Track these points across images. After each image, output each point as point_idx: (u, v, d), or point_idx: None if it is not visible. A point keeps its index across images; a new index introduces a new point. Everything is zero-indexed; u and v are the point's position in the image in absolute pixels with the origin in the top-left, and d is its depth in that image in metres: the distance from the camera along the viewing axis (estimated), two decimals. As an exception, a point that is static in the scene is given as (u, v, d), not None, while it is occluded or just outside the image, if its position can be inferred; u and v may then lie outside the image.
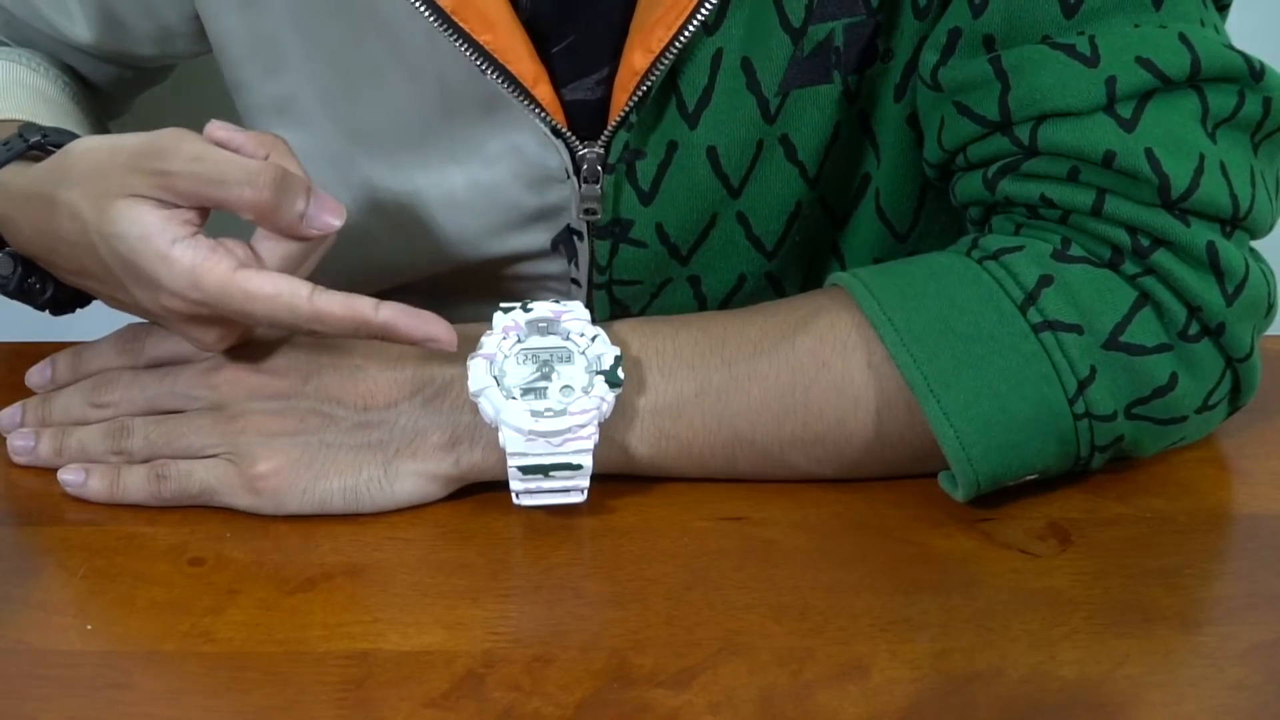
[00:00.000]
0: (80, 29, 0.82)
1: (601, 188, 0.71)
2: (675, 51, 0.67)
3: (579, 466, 0.63)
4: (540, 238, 0.75)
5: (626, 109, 0.69)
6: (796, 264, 0.77)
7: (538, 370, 0.64)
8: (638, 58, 0.68)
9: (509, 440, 0.62)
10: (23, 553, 0.64)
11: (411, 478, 0.65)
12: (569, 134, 0.70)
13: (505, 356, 0.64)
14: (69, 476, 0.66)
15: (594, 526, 0.65)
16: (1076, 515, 0.65)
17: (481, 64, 0.68)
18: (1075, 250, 0.65)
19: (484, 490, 0.66)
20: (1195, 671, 0.57)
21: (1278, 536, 0.65)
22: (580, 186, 0.72)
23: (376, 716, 0.55)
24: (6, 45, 0.86)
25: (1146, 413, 0.64)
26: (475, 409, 0.63)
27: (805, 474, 0.67)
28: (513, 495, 0.64)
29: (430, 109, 0.73)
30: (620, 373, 0.63)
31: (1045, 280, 0.63)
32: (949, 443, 0.62)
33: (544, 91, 0.69)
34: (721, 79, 0.69)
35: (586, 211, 0.72)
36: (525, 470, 0.63)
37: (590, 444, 0.62)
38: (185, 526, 0.65)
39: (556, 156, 0.71)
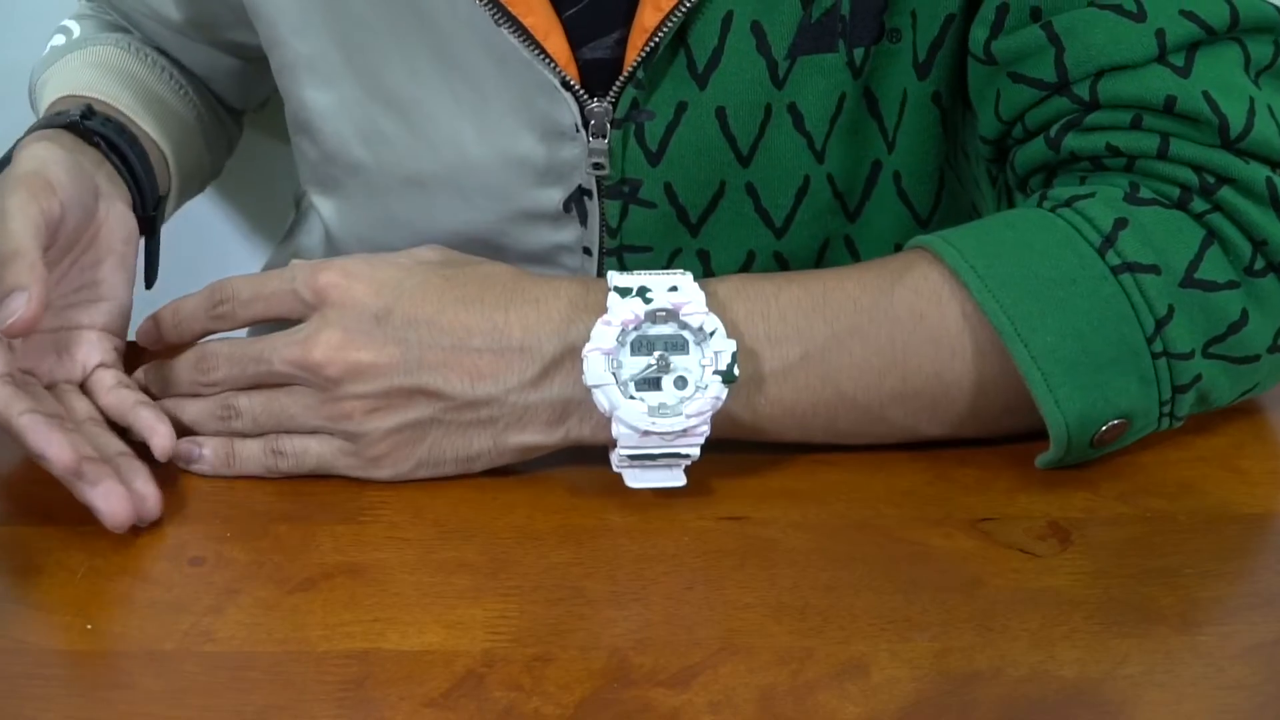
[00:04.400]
0: (169, 7, 0.87)
1: (609, 143, 0.72)
2: (684, 10, 0.68)
3: (688, 456, 0.64)
4: (552, 196, 0.76)
5: (634, 64, 0.70)
6: (805, 248, 0.77)
7: (653, 361, 0.64)
8: (648, 15, 0.69)
9: (623, 435, 0.63)
10: (23, 553, 0.64)
11: (520, 451, 0.66)
12: (578, 87, 0.71)
13: (621, 347, 0.64)
14: (186, 448, 0.68)
15: (594, 526, 0.65)
16: (1076, 515, 0.65)
17: (495, 15, 0.69)
18: (1145, 193, 0.66)
19: (484, 490, 0.67)
20: (1195, 671, 0.57)
21: (1278, 536, 0.65)
22: (589, 141, 0.72)
23: (376, 716, 0.55)
24: (106, 31, 0.91)
25: (1223, 351, 0.65)
26: (584, 386, 0.64)
27: (903, 430, 0.68)
28: (613, 466, 0.65)
29: (447, 65, 0.74)
30: (736, 370, 0.64)
31: (1120, 223, 0.65)
32: (1037, 386, 0.63)
33: (556, 45, 0.71)
34: (731, 40, 0.71)
35: (595, 166, 0.73)
36: (634, 458, 0.64)
37: (702, 439, 0.64)
38: (185, 526, 0.65)
39: (566, 111, 0.72)
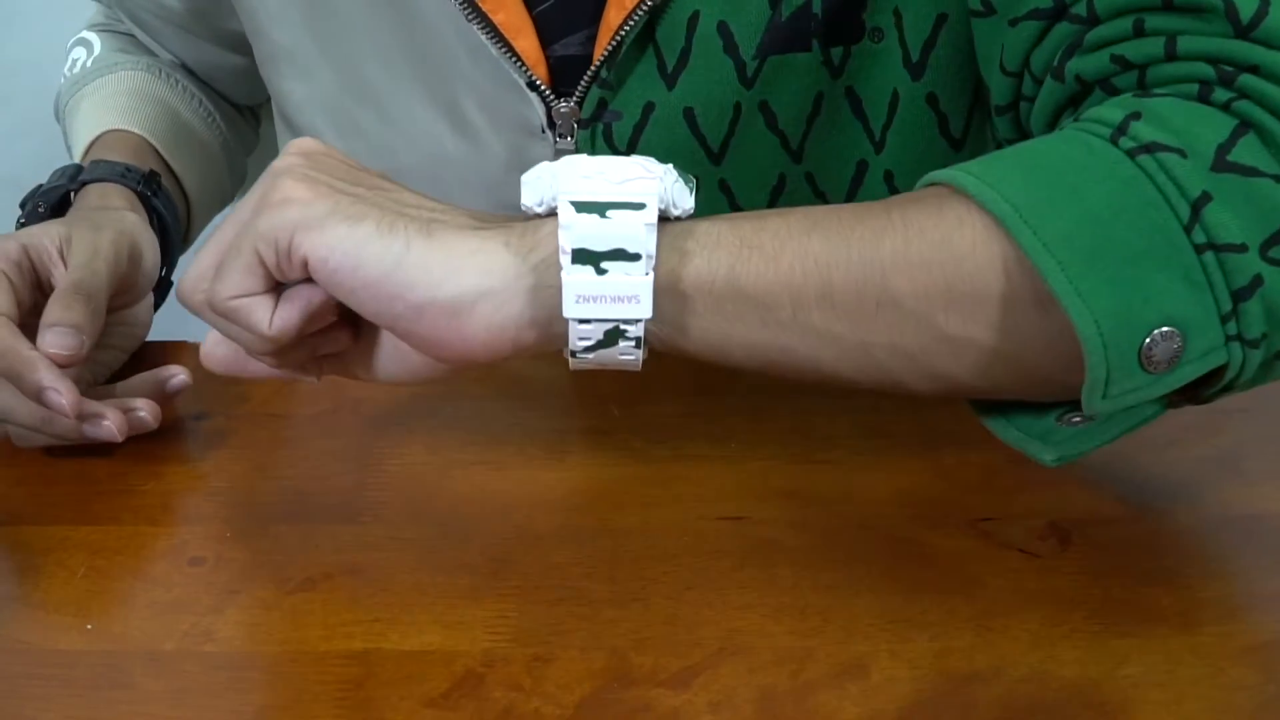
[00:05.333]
0: None
1: (576, 143, 0.72)
2: (646, 9, 0.68)
3: (641, 205, 0.55)
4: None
5: (598, 64, 0.70)
6: None
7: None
8: (613, 13, 0.69)
9: (563, 177, 0.56)
10: (23, 553, 0.64)
11: (449, 240, 0.57)
12: (544, 88, 0.71)
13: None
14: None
15: (594, 526, 0.65)
16: (1076, 515, 0.65)
17: (466, 11, 0.70)
18: (1160, 90, 0.58)
19: (484, 490, 0.67)
20: (1195, 671, 0.57)
21: (1278, 536, 0.65)
22: (555, 141, 0.72)
23: (376, 716, 0.55)
24: (130, 51, 0.94)
25: None
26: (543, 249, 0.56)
27: (918, 319, 0.57)
28: (563, 307, 0.56)
29: (421, 60, 0.75)
30: (692, 180, 0.57)
31: (1133, 115, 0.56)
32: (1053, 276, 0.53)
33: (526, 44, 0.71)
34: (698, 41, 0.70)
35: None
36: (580, 207, 0.55)
37: (656, 184, 0.56)
38: (185, 526, 0.65)
39: (534, 110, 0.72)
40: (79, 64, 0.93)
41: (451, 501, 0.66)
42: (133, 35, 0.96)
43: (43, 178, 0.82)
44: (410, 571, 0.62)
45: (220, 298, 0.58)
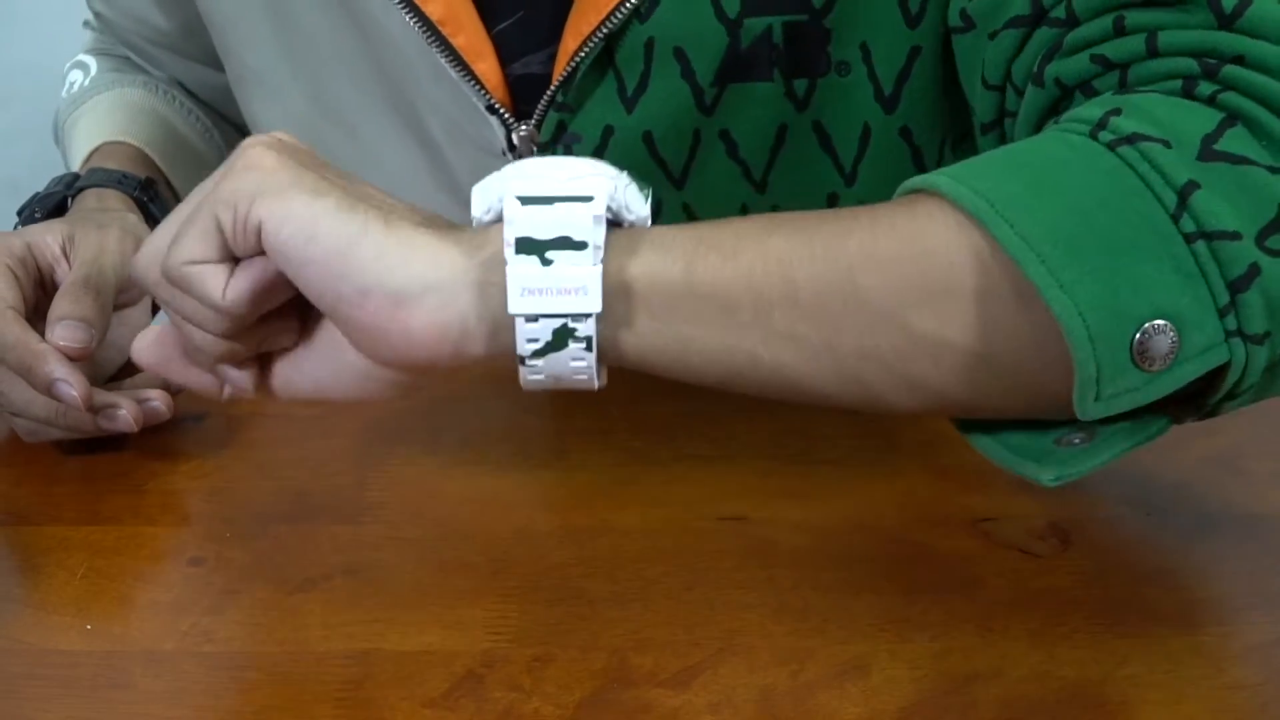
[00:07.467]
0: (158, 16, 0.91)
1: None
2: (602, 35, 0.68)
3: (589, 198, 0.53)
4: None
5: (554, 88, 0.70)
6: None
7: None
8: (570, 39, 0.69)
9: (510, 177, 0.55)
10: (23, 553, 0.64)
11: (404, 232, 0.56)
12: (504, 111, 0.71)
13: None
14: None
15: (594, 526, 0.65)
16: (1076, 515, 0.65)
17: (426, 35, 0.70)
18: (1143, 88, 0.56)
19: (484, 490, 0.67)
20: (1195, 671, 0.57)
21: (1278, 536, 0.65)
22: None
23: (376, 716, 0.55)
24: (125, 71, 0.96)
25: None
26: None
27: (889, 318, 0.54)
28: (509, 303, 0.54)
29: (388, 82, 0.75)
30: (648, 188, 0.55)
31: (1113, 111, 0.54)
32: (1032, 267, 0.50)
33: (486, 67, 0.71)
34: (656, 65, 0.70)
35: None
36: (526, 200, 0.53)
37: (607, 182, 0.54)
38: (185, 526, 0.65)
39: (494, 133, 0.72)
40: (76, 85, 0.94)
41: (451, 501, 0.66)
42: (128, 57, 0.96)
43: (41, 181, 0.83)
44: (410, 572, 0.62)
45: (175, 262, 0.56)
